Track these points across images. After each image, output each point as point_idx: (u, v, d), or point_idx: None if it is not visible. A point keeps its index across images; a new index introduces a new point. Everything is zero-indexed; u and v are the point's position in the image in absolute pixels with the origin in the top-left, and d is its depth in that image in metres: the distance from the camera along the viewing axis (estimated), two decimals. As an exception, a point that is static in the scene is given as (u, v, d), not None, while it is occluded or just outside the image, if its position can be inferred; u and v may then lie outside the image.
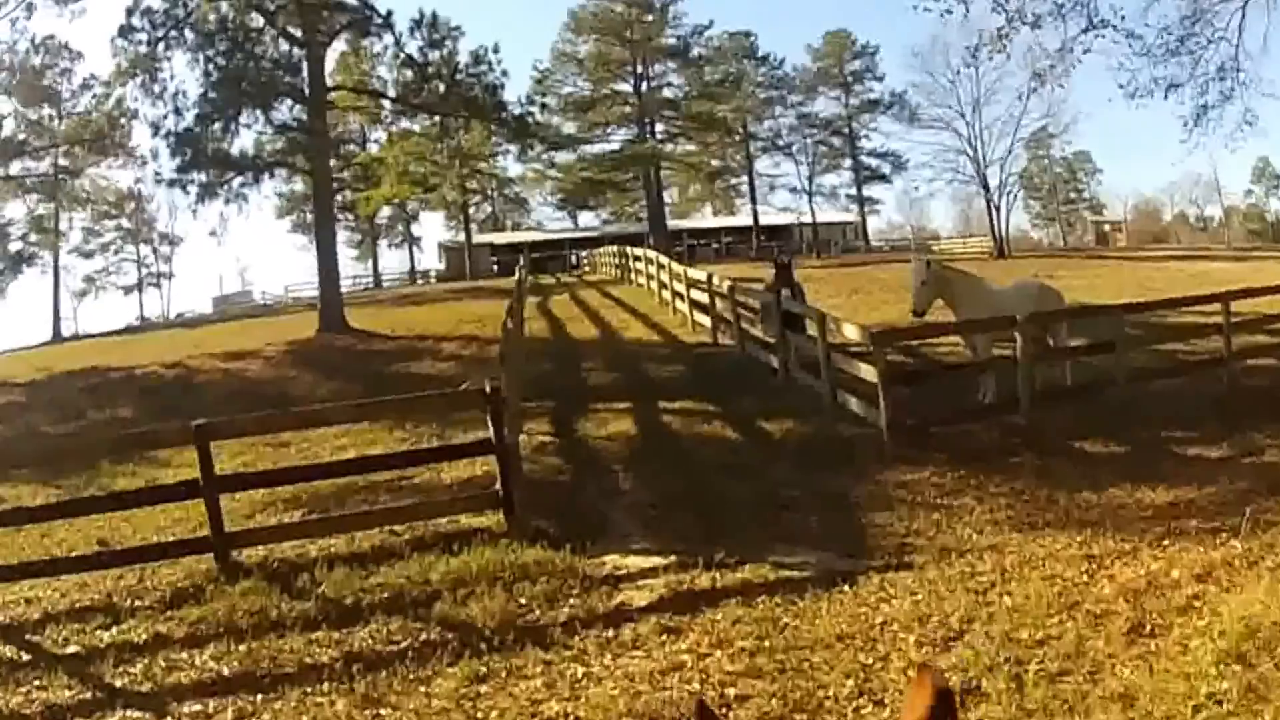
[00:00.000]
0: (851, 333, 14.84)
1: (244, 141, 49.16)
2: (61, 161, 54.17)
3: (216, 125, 29.42)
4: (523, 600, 8.80)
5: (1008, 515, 10.53)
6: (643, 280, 35.45)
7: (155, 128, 29.94)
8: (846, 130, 76.94)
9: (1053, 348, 15.58)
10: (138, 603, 9.51)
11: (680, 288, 27.10)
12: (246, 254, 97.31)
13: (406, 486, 12.83)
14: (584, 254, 66.09)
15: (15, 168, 49.07)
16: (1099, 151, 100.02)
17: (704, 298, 24.34)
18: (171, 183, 29.18)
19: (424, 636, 8.25)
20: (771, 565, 9.26)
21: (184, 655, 8.28)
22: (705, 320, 24.36)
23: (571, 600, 8.83)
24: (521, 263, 39.73)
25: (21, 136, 47.56)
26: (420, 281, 72.79)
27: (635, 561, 9.69)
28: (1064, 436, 13.61)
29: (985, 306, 15.63)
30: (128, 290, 73.47)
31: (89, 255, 70.72)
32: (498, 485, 10.68)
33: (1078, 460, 12.72)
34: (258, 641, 8.38)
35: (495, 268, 66.13)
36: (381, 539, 10.74)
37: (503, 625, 8.31)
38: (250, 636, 8.48)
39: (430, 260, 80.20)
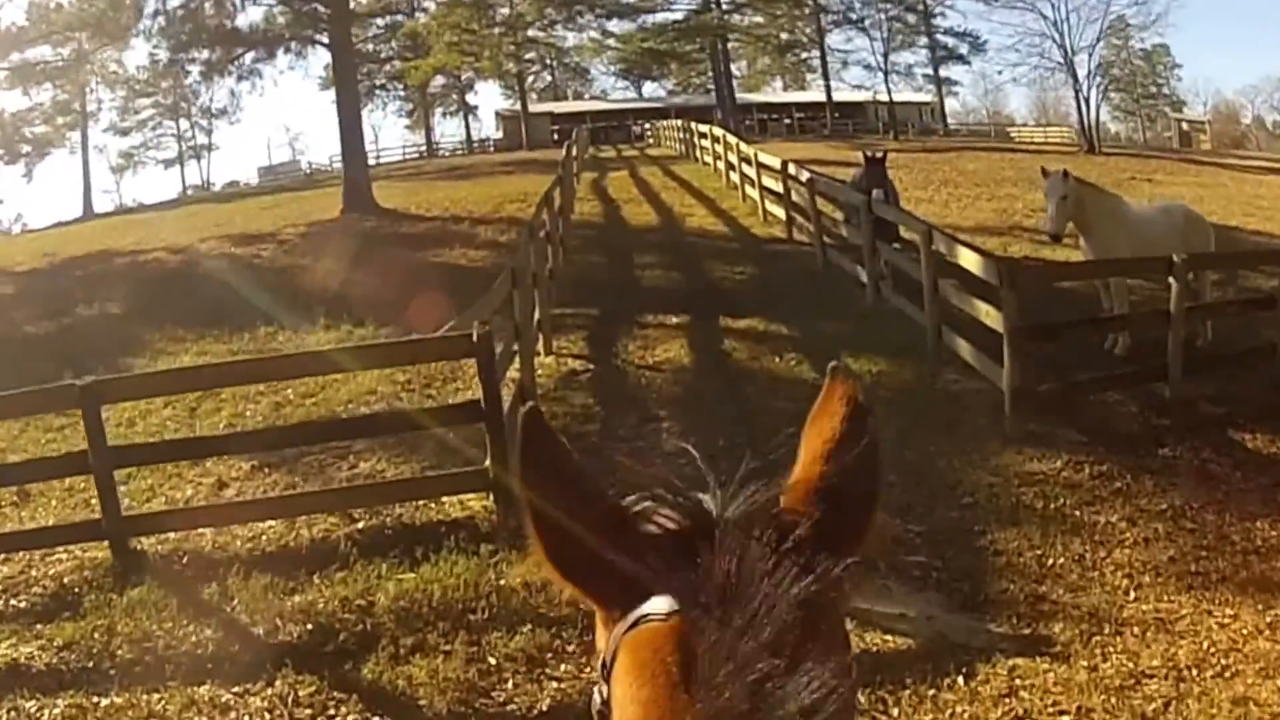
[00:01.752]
0: (972, 262, 11.62)
1: (252, 16, 46.10)
2: (84, 46, 52.47)
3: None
4: (492, 661, 6.18)
5: (1168, 555, 7.88)
6: (709, 159, 32.23)
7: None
8: (922, 6, 72.28)
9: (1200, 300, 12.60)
10: (12, 604, 7.49)
11: (750, 172, 24.07)
12: (297, 123, 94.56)
13: (389, 444, 10.01)
14: (647, 126, 62.73)
15: (31, 54, 47.31)
16: (1178, 48, 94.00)
17: (778, 185, 21.33)
18: (170, 63, 26.39)
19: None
20: (853, 623, 6.47)
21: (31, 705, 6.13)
22: (778, 211, 21.47)
23: (564, 668, 6.18)
24: (574, 135, 36.25)
25: (25, 24, 45.52)
26: (476, 151, 69.89)
27: None
28: (1219, 424, 10.79)
29: (1125, 235, 12.68)
30: (168, 164, 72.37)
31: (125, 133, 69.64)
32: (488, 461, 7.95)
33: (1241, 461, 9.92)
34: (124, 696, 6.16)
35: (555, 137, 63.05)
36: (327, 529, 8.29)
37: (454, 711, 5.86)
38: (118, 685, 6.30)
39: (490, 129, 77.13)
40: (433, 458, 9.28)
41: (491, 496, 8.04)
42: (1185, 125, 79.97)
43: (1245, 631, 6.79)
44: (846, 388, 1.44)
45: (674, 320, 14.73)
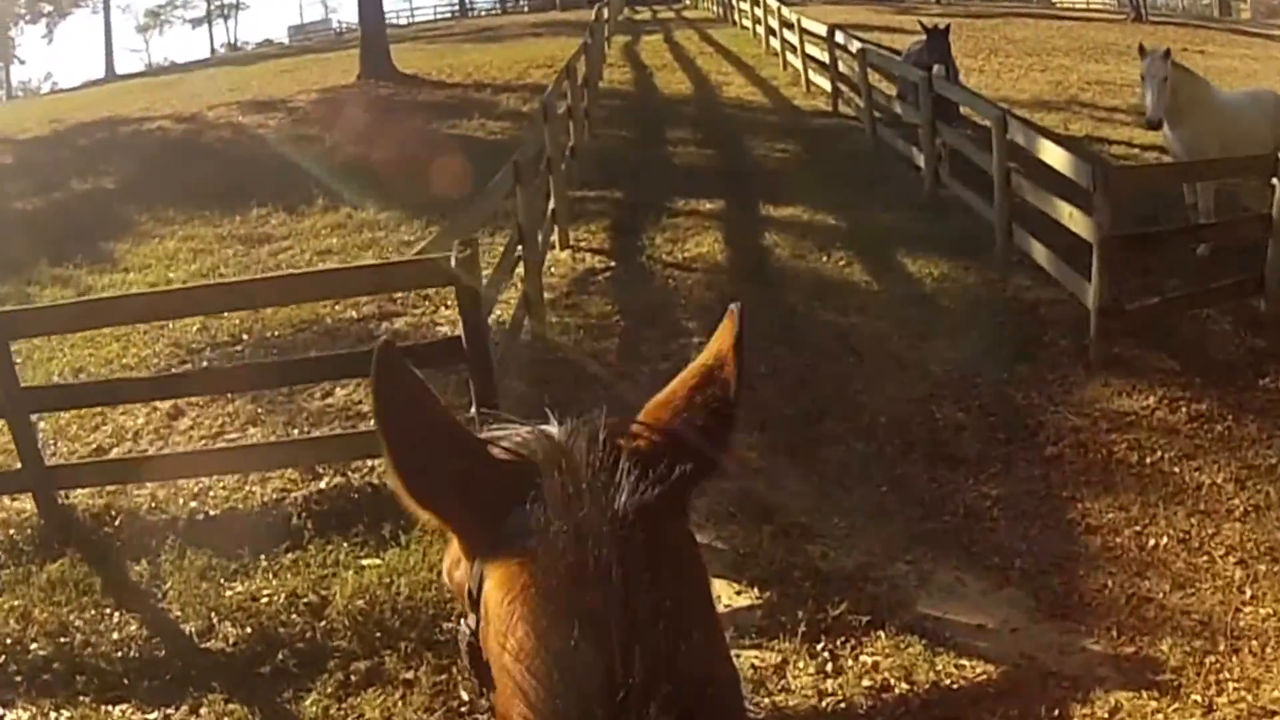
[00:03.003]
0: (1059, 160, 10.00)
1: None
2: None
3: None
4: (464, 697, 5.00)
5: (1277, 525, 6.52)
6: (747, 23, 30.25)
7: None
8: None
9: None
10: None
11: (792, 38, 22.25)
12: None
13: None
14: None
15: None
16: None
17: (822, 54, 19.68)
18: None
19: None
20: (923, 641, 5.21)
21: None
22: (822, 82, 19.85)
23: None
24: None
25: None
26: (510, 10, 67.31)
27: None
28: None
29: (1216, 125, 11.03)
30: (196, 23, 70.72)
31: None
32: (472, 410, 6.46)
33: None
34: (28, 711, 5.18)
35: (592, -2, 60.52)
36: (284, 488, 7.15)
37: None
38: (24, 695, 5.31)
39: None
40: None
41: None
42: (1223, -8, 76.13)
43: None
44: (733, 321, 1.53)
45: (707, 206, 13.28)
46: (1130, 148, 15.42)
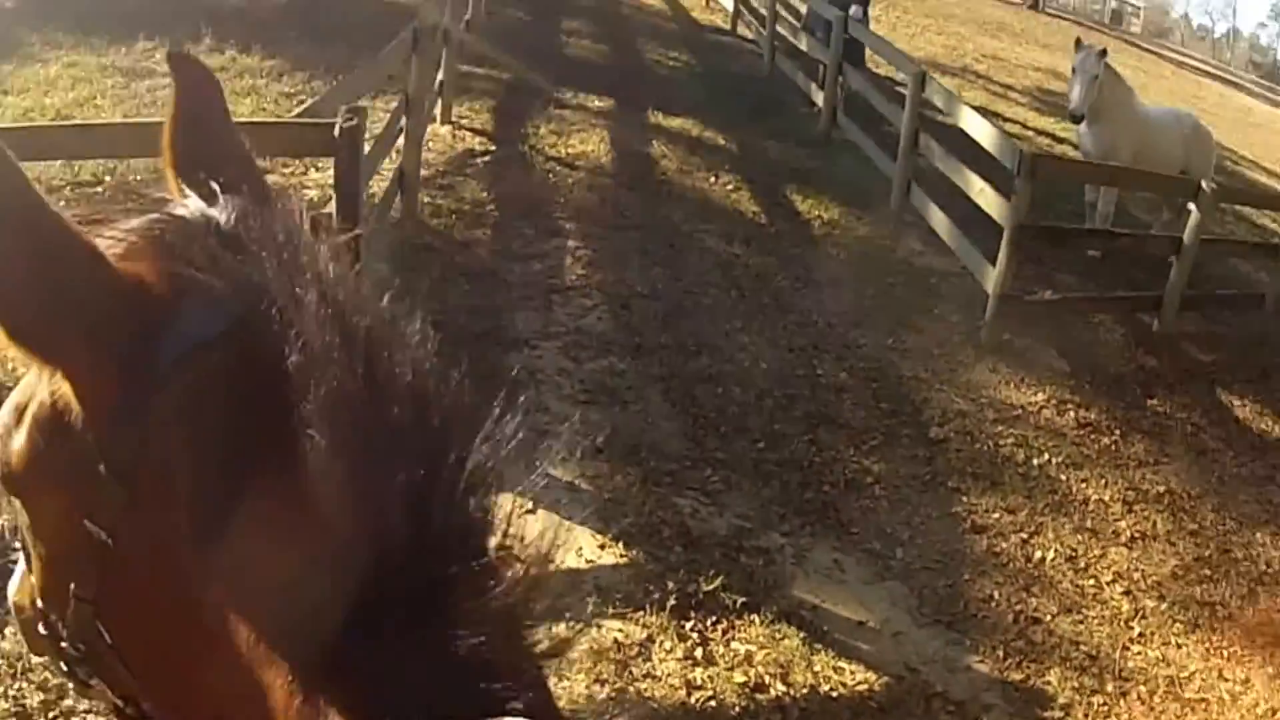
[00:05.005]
0: (984, 135, 9.38)
1: None
2: None
3: None
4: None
5: (1170, 569, 6.19)
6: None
7: None
8: None
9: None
10: None
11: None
12: None
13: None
14: None
15: None
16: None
17: (727, -28, 18.84)
18: None
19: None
20: (801, 635, 4.60)
21: None
22: (725, 0, 18.97)
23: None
24: None
25: None
26: None
27: (545, 529, 4.87)
28: (1207, 376, 9.02)
29: (1132, 133, 10.64)
30: None
31: None
32: None
33: (1233, 435, 8.19)
34: None
35: None
36: None
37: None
38: None
39: None
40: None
41: None
42: (1115, 3, 77.71)
43: (1259, 711, 5.22)
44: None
45: (596, 103, 12.35)
46: (1025, 129, 15.16)
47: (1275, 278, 10.64)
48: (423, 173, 8.67)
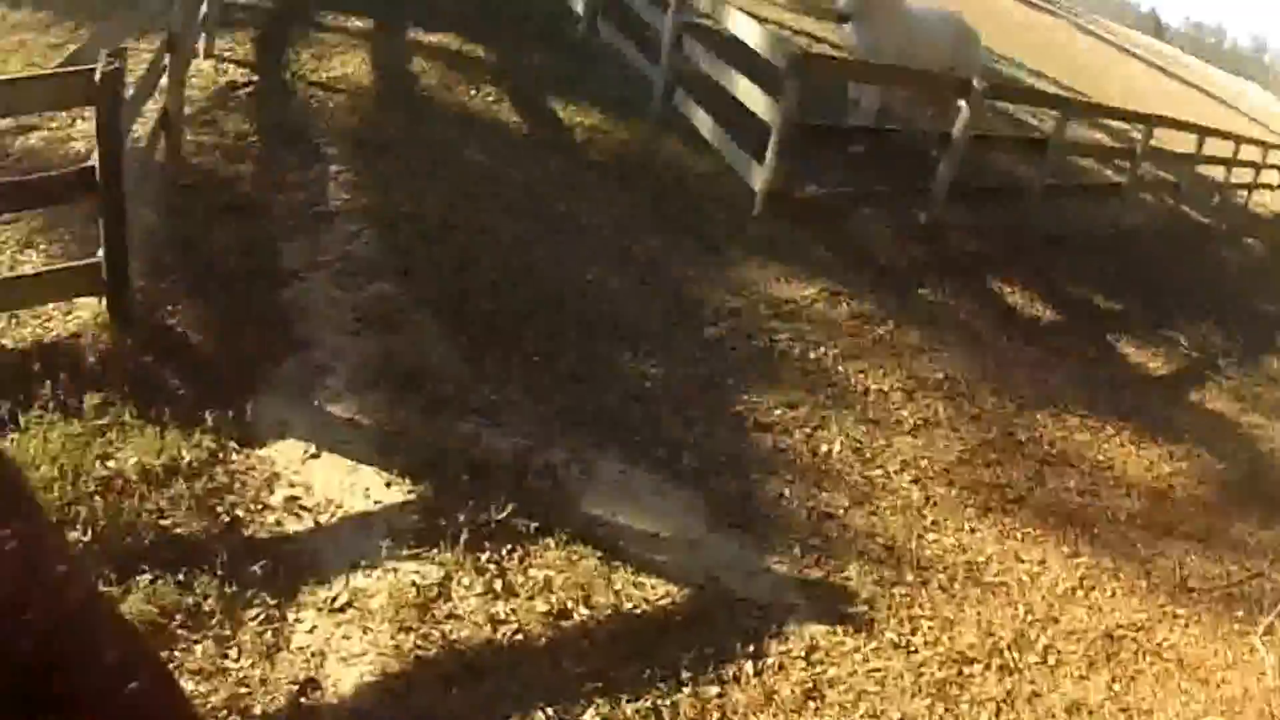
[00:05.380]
0: (754, 37, 9.18)
1: None
2: None
3: None
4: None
5: (956, 454, 6.31)
6: None
7: None
8: None
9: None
10: None
11: None
12: None
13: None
14: None
15: None
16: None
17: None
18: None
19: None
20: (598, 554, 4.49)
21: None
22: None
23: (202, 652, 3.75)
24: None
25: None
26: None
27: (330, 473, 4.62)
28: (975, 264, 9.38)
29: (898, 32, 10.67)
30: None
31: None
32: (100, 253, 5.06)
33: (1004, 320, 8.56)
34: None
35: None
36: None
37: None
38: None
39: None
40: (45, 238, 6.18)
41: (105, 303, 5.25)
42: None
43: (1059, 590, 5.34)
44: None
45: (356, 24, 11.65)
46: (784, 29, 15.16)
47: (1039, 170, 10.94)
48: (186, 110, 8.02)
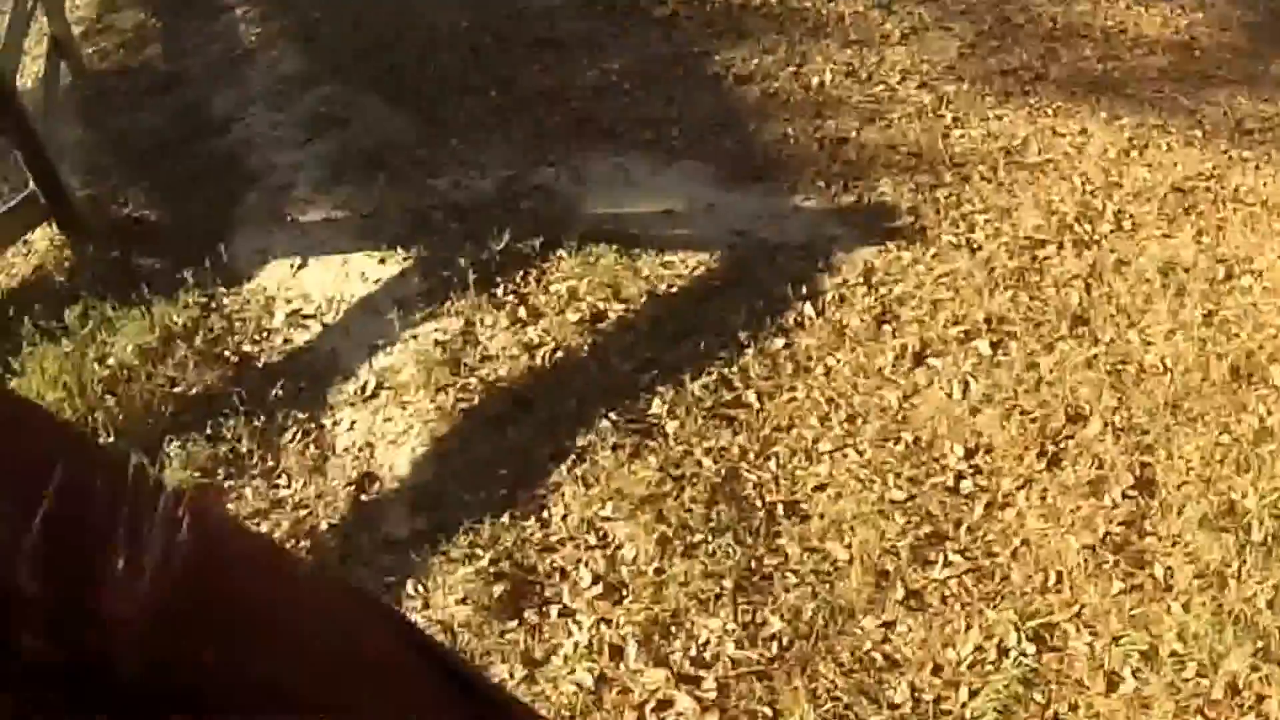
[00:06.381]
0: None
1: None
2: None
3: None
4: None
5: (957, 49, 5.75)
6: None
7: None
8: None
9: None
10: None
11: None
12: None
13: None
14: None
15: None
16: None
17: None
18: None
19: None
20: (614, 248, 4.15)
21: None
22: None
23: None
24: None
25: None
26: None
27: (322, 274, 4.39)
28: None
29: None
30: None
31: None
32: (31, 183, 4.82)
33: None
34: None
35: None
36: None
37: None
38: None
39: None
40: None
41: (54, 224, 4.97)
42: None
43: (1111, 155, 4.84)
44: None
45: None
46: None
47: None
48: (77, 30, 7.41)
